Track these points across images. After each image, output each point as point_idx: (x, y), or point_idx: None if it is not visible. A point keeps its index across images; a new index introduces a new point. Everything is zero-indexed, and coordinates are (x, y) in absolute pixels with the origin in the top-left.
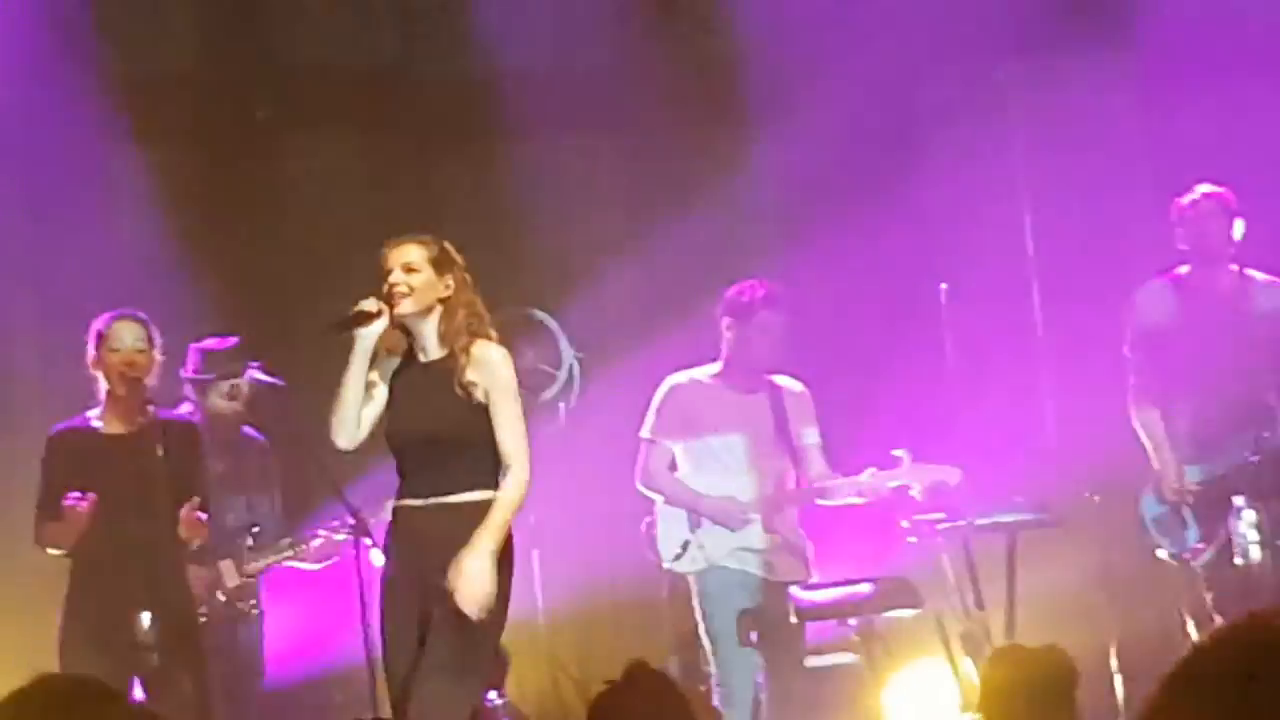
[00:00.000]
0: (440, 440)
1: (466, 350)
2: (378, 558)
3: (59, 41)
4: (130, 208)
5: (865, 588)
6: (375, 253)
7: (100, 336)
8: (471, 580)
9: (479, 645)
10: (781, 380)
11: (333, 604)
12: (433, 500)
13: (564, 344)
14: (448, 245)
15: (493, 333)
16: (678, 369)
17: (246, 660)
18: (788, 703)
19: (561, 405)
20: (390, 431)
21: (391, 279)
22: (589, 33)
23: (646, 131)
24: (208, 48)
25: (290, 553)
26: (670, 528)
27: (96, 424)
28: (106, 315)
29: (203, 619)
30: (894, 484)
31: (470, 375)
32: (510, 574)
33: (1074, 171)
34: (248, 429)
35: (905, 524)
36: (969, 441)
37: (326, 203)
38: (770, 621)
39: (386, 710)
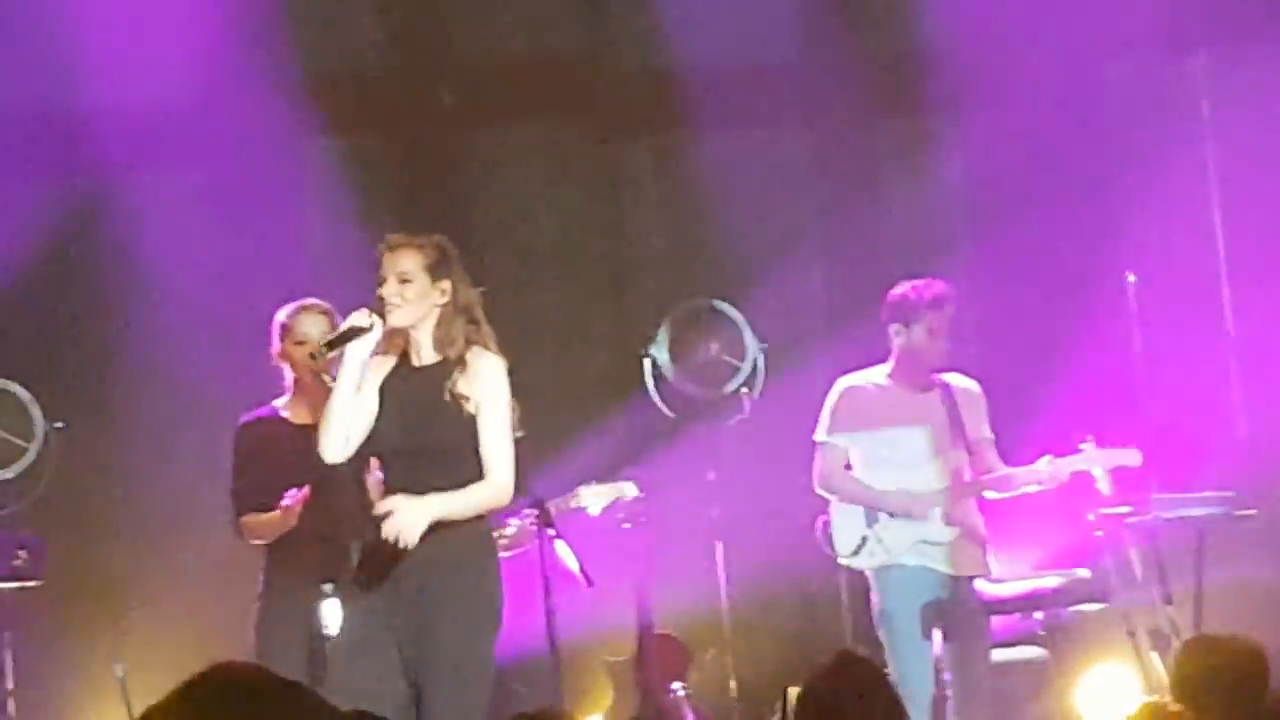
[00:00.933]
0: (427, 450)
1: (461, 359)
2: (563, 549)
3: (247, 37)
4: (317, 200)
5: (1051, 581)
6: (560, 243)
7: (284, 328)
8: (401, 520)
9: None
10: (954, 378)
11: (516, 594)
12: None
13: (748, 336)
14: (447, 247)
15: (491, 340)
16: (862, 361)
17: None
18: (976, 698)
19: (745, 397)
20: (376, 438)
21: (384, 291)
22: (777, 25)
23: (833, 125)
24: (394, 40)
25: None
26: (846, 523)
27: (284, 413)
28: (291, 307)
29: None
30: (1073, 469)
31: (462, 385)
32: (497, 628)
33: (1264, 160)
34: None
35: (1091, 517)
36: (1156, 434)
37: (512, 193)
38: (954, 615)
39: (571, 701)
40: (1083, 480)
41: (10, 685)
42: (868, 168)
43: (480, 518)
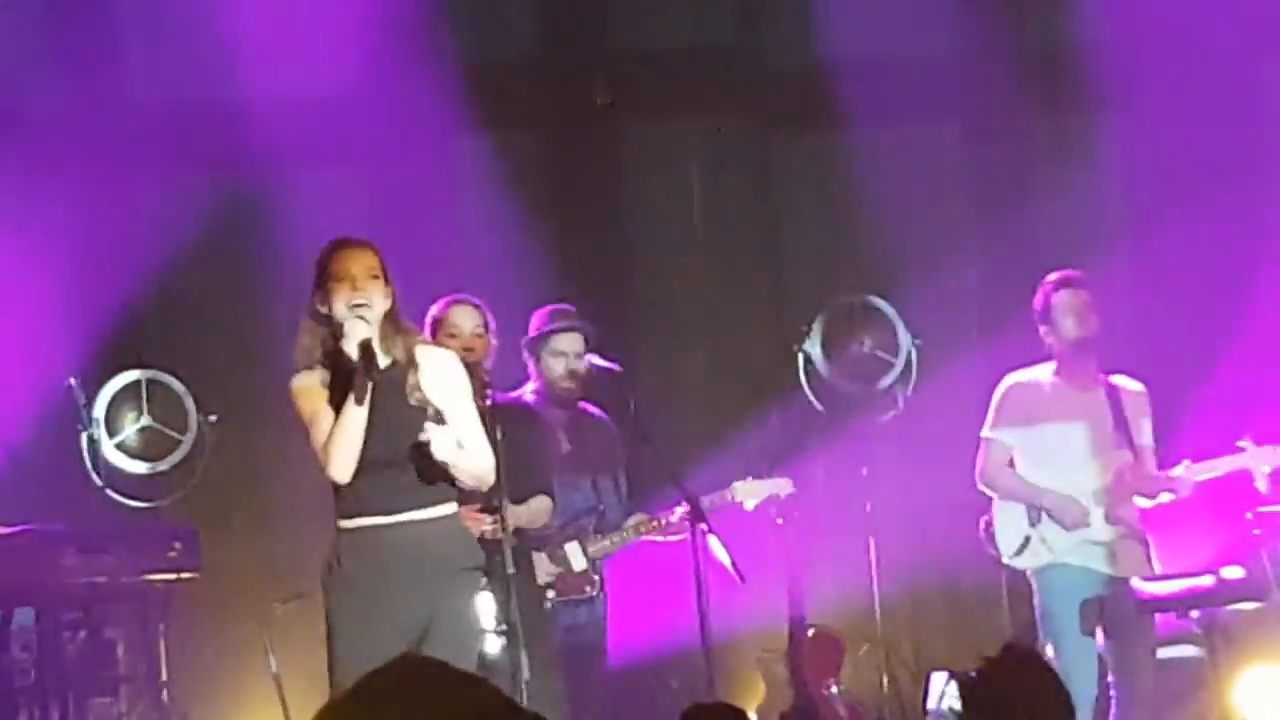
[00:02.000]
0: (403, 458)
1: (411, 357)
2: (715, 544)
3: (402, 31)
4: (470, 195)
5: (1209, 579)
6: (715, 238)
7: (437, 322)
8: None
9: None
10: (1120, 379)
11: (668, 588)
12: (400, 518)
13: (902, 331)
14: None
15: (421, 334)
16: (1018, 357)
17: (591, 642)
18: (1137, 697)
19: (899, 393)
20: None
21: (363, 292)
22: (934, 20)
23: (989, 119)
24: (548, 34)
25: (634, 535)
26: (1010, 522)
27: None
28: (443, 301)
29: (548, 604)
30: (1208, 475)
31: (422, 381)
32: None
33: None
34: (589, 407)
35: (1250, 516)
36: None
37: (667, 188)
38: (1116, 615)
39: (725, 695)
40: (1241, 479)
41: (164, 677)
42: (1024, 164)
43: (455, 514)
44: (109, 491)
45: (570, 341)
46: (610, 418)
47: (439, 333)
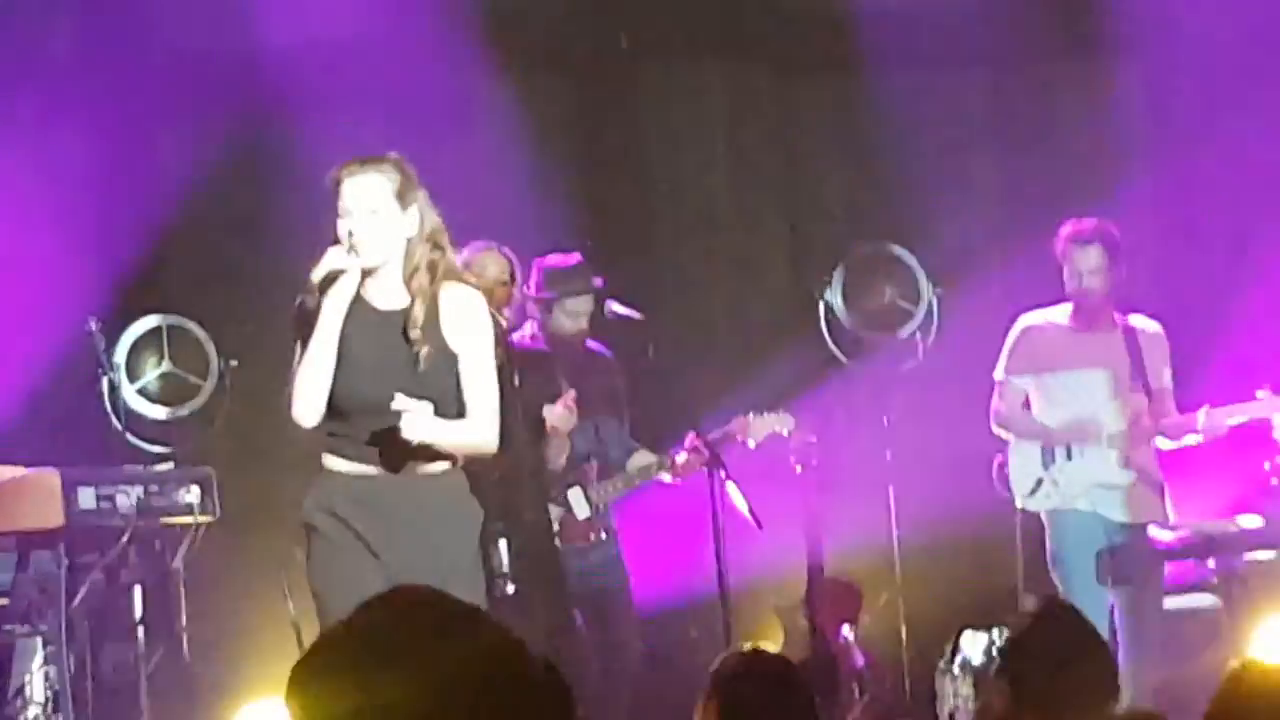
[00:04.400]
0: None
1: (433, 295)
2: (733, 491)
3: None
4: (492, 140)
5: (1225, 527)
6: (736, 183)
7: (463, 266)
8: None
9: None
10: (1137, 320)
11: (685, 535)
12: (391, 472)
13: (923, 279)
14: (407, 165)
15: (466, 272)
16: (1038, 305)
17: (602, 586)
18: (1144, 644)
19: (920, 341)
20: (340, 391)
21: (352, 226)
22: None
23: (1010, 63)
24: None
25: (640, 478)
26: (1024, 464)
27: None
28: (471, 247)
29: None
30: (1232, 420)
31: (434, 324)
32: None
33: None
34: (593, 344)
35: (1268, 465)
36: None
37: (686, 130)
38: (1127, 561)
39: (743, 643)
40: (1260, 427)
41: (182, 621)
42: (1045, 107)
43: (455, 468)
44: (129, 436)
45: (583, 303)
46: (623, 361)
47: None
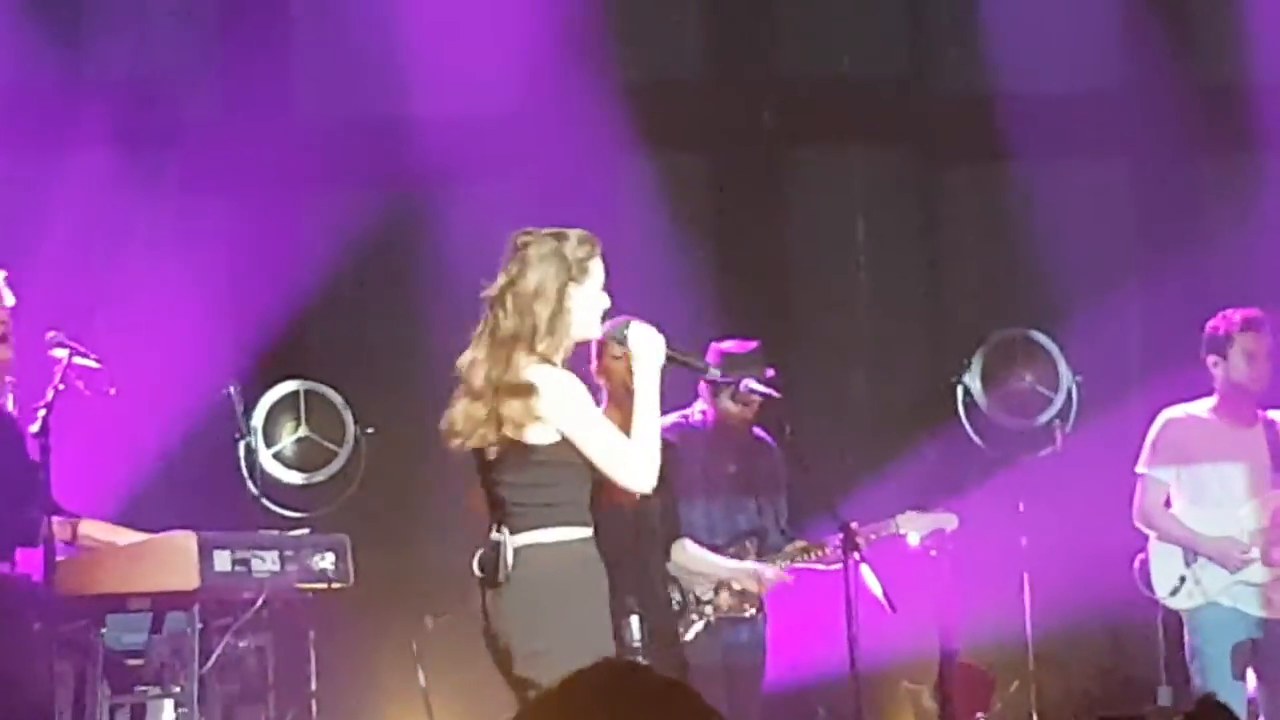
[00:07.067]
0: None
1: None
2: (868, 574)
3: (569, 48)
4: (632, 214)
5: None
6: (876, 267)
7: (602, 344)
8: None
9: None
10: (1278, 415)
11: (819, 615)
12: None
13: (1063, 367)
14: None
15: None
16: (1180, 397)
17: (751, 663)
18: None
19: (1058, 429)
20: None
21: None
22: (1102, 53)
23: (1157, 156)
24: (717, 55)
25: (794, 560)
26: (1165, 563)
27: None
28: (610, 323)
29: (705, 620)
30: None
31: (539, 408)
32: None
33: None
34: (760, 431)
35: None
36: None
37: (829, 215)
38: (1269, 658)
39: None
40: None
41: (313, 686)
42: (1191, 200)
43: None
44: (264, 500)
45: (740, 393)
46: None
47: (606, 354)
